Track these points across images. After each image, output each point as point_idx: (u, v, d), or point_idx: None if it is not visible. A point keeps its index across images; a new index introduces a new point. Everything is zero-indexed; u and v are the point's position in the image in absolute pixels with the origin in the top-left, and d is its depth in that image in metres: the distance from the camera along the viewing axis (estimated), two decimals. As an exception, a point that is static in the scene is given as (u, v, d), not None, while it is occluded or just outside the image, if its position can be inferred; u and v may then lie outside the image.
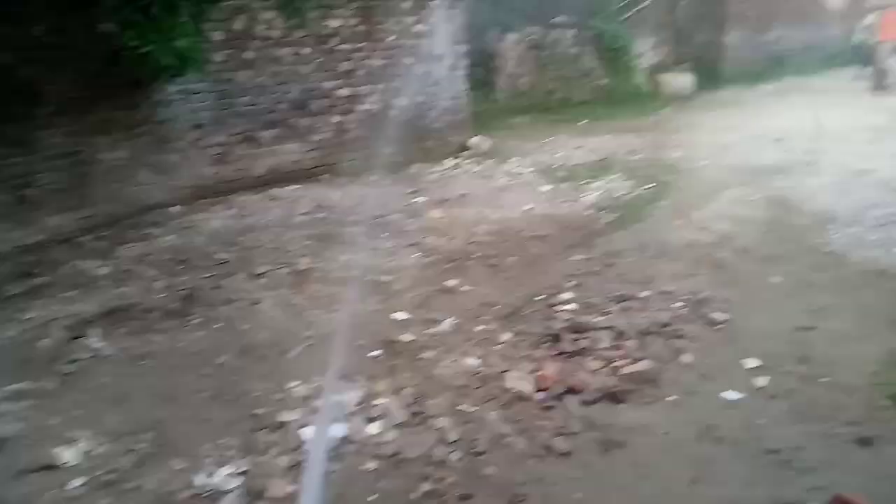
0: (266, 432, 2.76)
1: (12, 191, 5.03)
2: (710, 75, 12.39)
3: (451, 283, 4.23)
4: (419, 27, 7.53)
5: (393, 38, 7.32)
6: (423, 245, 4.88)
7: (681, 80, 12.06)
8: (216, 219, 5.56)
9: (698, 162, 7.08)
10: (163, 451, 2.63)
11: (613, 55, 11.52)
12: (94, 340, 3.47)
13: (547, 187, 6.45)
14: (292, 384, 3.10)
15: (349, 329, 3.64)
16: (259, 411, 2.90)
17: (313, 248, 4.83)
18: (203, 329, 3.66)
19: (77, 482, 2.45)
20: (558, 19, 11.01)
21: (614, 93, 11.37)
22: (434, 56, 7.73)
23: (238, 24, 6.16)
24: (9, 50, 4.22)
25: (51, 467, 2.52)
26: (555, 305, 3.87)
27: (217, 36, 5.99)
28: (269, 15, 6.30)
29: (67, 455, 2.57)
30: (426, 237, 5.04)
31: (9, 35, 4.16)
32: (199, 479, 2.46)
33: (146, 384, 3.10)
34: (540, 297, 3.98)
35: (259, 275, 4.34)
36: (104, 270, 4.45)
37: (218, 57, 6.04)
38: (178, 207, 5.77)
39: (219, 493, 2.40)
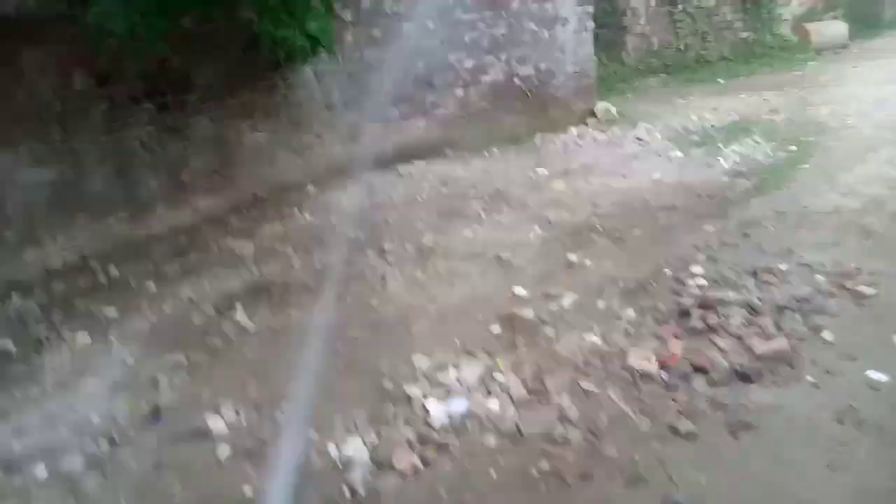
0: (393, 405, 2.89)
1: (169, 174, 5.52)
2: (867, 21, 11.18)
3: (574, 257, 4.18)
4: (543, -9, 7.37)
5: (516, 4, 7.21)
6: (545, 218, 4.84)
7: (832, 29, 10.99)
8: (347, 197, 5.81)
9: (847, 119, 6.47)
10: (298, 421, 2.83)
11: (755, 5, 10.68)
12: (240, 316, 3.76)
13: (678, 154, 6.16)
14: (417, 358, 3.22)
15: (471, 304, 3.72)
16: (386, 384, 3.04)
17: (437, 223, 4.93)
18: (336, 304, 3.87)
19: (224, 450, 2.69)
20: (693, -30, 10.36)
21: (756, 47, 10.58)
22: (559, 19, 7.53)
23: (367, 3, 6.31)
24: (164, 42, 4.60)
25: (203, 434, 2.79)
26: (683, 280, 3.72)
27: (347, 15, 6.17)
28: (395, -11, 6.41)
29: (215, 424, 2.83)
30: (548, 210, 4.99)
31: (163, 28, 4.53)
32: (332, 450, 2.63)
33: (284, 357, 3.34)
34: (667, 272, 3.85)
35: (386, 251, 4.50)
36: (248, 249, 4.80)
37: (348, 37, 6.23)
38: (312, 187, 6.08)
39: (349, 463, 2.56)
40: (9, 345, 3.78)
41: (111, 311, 3.98)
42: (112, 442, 2.79)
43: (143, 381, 3.21)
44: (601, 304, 3.59)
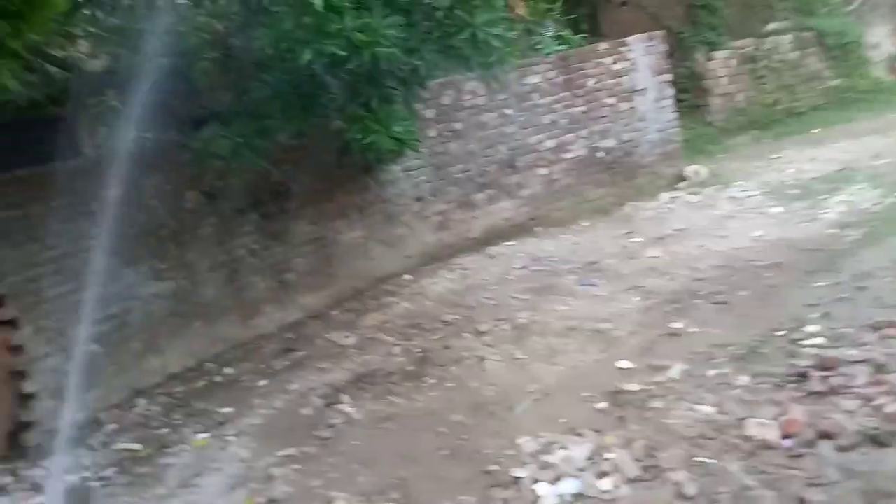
0: (501, 489, 2.84)
1: (274, 277, 5.84)
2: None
3: (677, 325, 4.05)
4: (618, 65, 7.49)
5: (593, 81, 7.36)
6: (642, 287, 4.75)
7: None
8: (441, 282, 5.92)
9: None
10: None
11: (842, 52, 10.38)
12: (345, 406, 3.86)
13: (778, 209, 5.94)
14: (522, 439, 3.16)
15: (573, 381, 3.65)
16: (492, 468, 2.99)
17: (531, 301, 4.93)
18: (437, 389, 3.90)
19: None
20: (771, 26, 10.24)
21: (848, 93, 10.19)
22: (637, 90, 7.60)
23: (446, 99, 6.63)
24: (263, 158, 4.99)
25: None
26: (798, 340, 3.52)
27: (428, 113, 6.49)
28: (472, 85, 6.69)
29: (329, 515, 2.87)
30: (645, 278, 4.89)
31: (262, 147, 4.94)
32: (442, 537, 2.60)
33: (390, 445, 3.37)
34: (780, 333, 3.65)
35: (483, 332, 4.52)
36: (350, 340, 4.95)
37: (431, 132, 6.52)
38: (407, 276, 6.25)
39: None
40: (136, 447, 4.02)
41: (226, 409, 4.17)
42: (232, 539, 2.88)
43: (259, 475, 3.32)
44: (711, 372, 3.44)
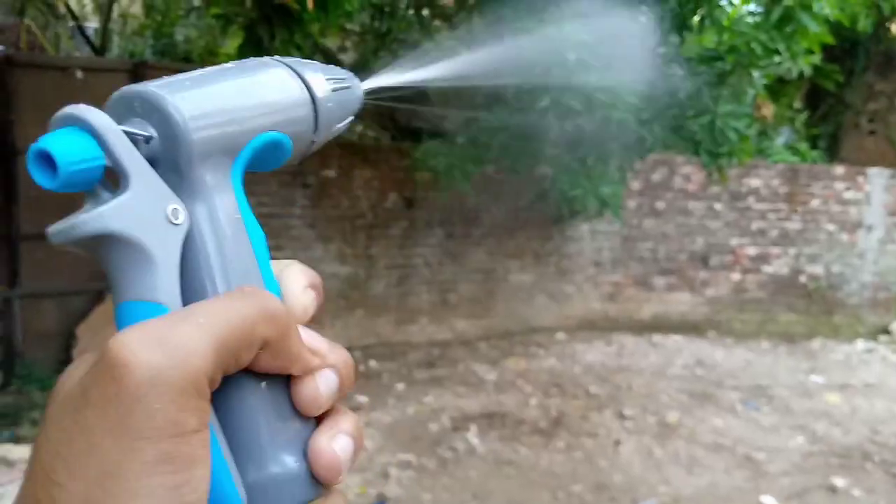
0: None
1: (438, 294, 6.06)
2: None
3: (839, 482, 3.65)
4: (850, 194, 6.97)
5: (818, 202, 6.91)
6: (810, 430, 4.33)
7: None
8: (595, 352, 5.80)
9: None
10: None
11: None
12: (472, 436, 3.89)
13: None
14: (638, 536, 3.01)
15: (708, 498, 3.41)
16: (600, 552, 2.87)
17: (685, 403, 4.68)
18: (564, 454, 3.81)
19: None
20: None
21: None
22: (863, 225, 7.02)
23: (657, 176, 6.55)
24: (468, 182, 5.20)
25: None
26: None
27: (635, 184, 6.44)
28: (688, 169, 6.55)
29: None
30: (816, 422, 4.46)
31: (472, 172, 5.14)
32: None
33: (505, 489, 3.34)
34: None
35: (625, 416, 4.36)
36: (491, 376, 4.99)
37: (631, 203, 6.46)
38: (562, 334, 6.19)
39: None
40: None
41: (363, 398, 4.36)
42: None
43: (377, 469, 3.43)
44: (868, 545, 3.06)
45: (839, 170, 7.04)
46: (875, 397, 5.07)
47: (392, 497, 3.17)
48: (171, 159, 0.32)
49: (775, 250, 6.79)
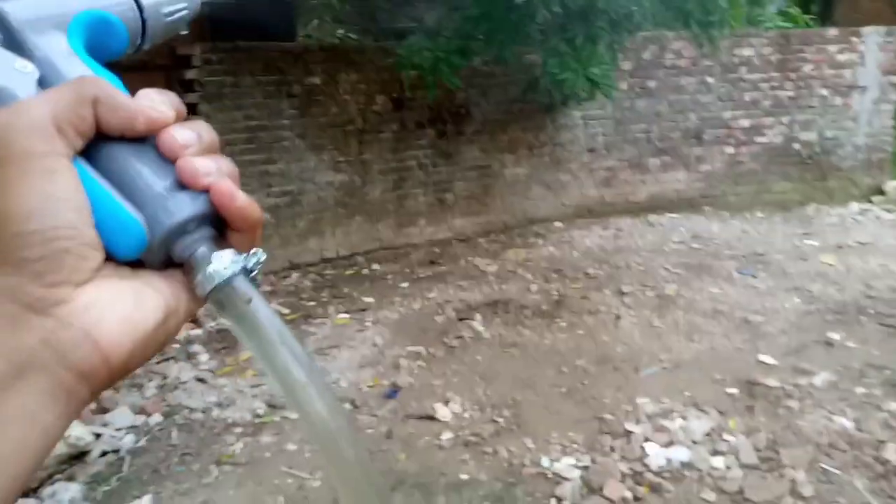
0: (611, 437, 2.88)
1: (434, 194, 6.07)
2: None
3: (835, 336, 3.79)
4: (843, 56, 6.84)
5: (810, 67, 6.79)
6: (806, 290, 4.46)
7: None
8: (592, 237, 5.87)
9: None
10: (517, 428, 2.95)
11: None
12: (476, 324, 4.01)
13: None
14: (642, 400, 3.16)
15: (709, 361, 3.56)
16: (607, 416, 3.03)
17: (682, 276, 4.79)
18: (567, 332, 3.95)
19: (447, 436, 2.90)
20: None
21: None
22: (856, 87, 6.92)
23: (647, 54, 6.40)
24: (457, 77, 5.12)
25: (429, 418, 3.03)
26: (971, 384, 3.20)
27: (626, 65, 6.31)
28: (678, 45, 6.41)
29: (442, 412, 3.06)
30: (812, 283, 4.58)
31: (460, 66, 5.05)
32: (545, 461, 2.70)
33: (511, 368, 3.49)
34: (952, 373, 3.33)
35: (624, 293, 4.48)
36: (492, 268, 5.08)
37: (623, 85, 6.35)
38: (559, 223, 6.25)
39: (560, 478, 2.61)
40: (285, 311, 4.43)
41: (369, 299, 4.48)
42: (354, 405, 3.15)
43: (388, 361, 3.57)
44: (860, 389, 3.22)
45: (832, 32, 6.88)
46: (869, 255, 5.18)
47: (404, 385, 3.31)
48: (7, 37, 0.41)
49: (768, 120, 6.74)
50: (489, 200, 6.33)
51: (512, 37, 4.58)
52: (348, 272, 5.21)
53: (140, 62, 4.87)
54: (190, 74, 4.89)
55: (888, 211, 6.46)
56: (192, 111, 5.02)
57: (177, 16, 0.50)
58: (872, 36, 6.84)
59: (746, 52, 6.54)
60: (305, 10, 6.83)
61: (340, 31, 7.58)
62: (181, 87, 4.96)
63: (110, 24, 0.45)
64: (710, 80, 6.53)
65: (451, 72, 4.81)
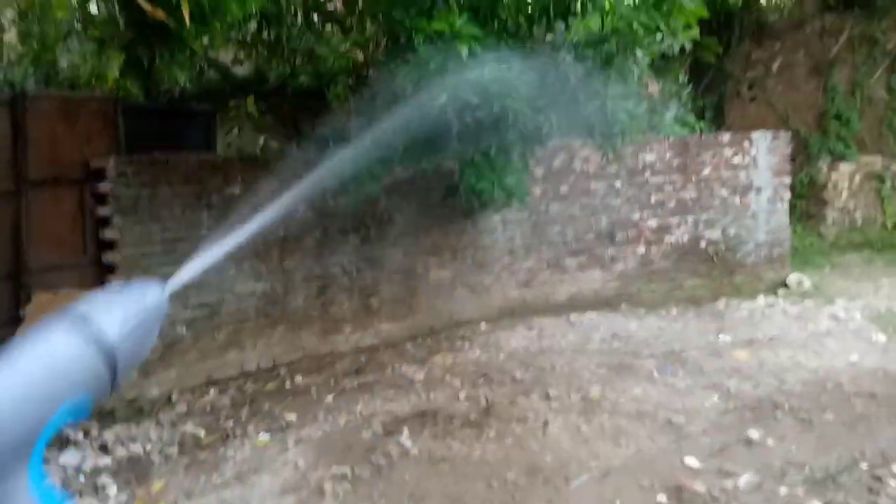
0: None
1: (360, 299, 6.03)
2: None
3: (754, 434, 3.89)
4: (738, 159, 7.39)
5: (708, 170, 7.28)
6: (723, 387, 4.59)
7: None
8: (517, 337, 5.92)
9: None
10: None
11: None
12: (404, 438, 3.90)
13: (881, 337, 5.62)
14: (573, 513, 3.12)
15: (636, 466, 3.57)
16: (538, 534, 2.96)
17: (605, 376, 4.85)
18: (496, 443, 3.89)
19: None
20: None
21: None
22: (752, 188, 7.46)
23: (557, 162, 6.73)
24: (377, 185, 5.22)
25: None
26: (882, 478, 3.31)
27: (538, 171, 6.59)
28: (586, 152, 6.77)
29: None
30: (728, 379, 4.73)
31: (381, 174, 5.16)
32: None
33: (441, 486, 3.39)
34: (863, 466, 3.45)
35: (551, 397, 4.49)
36: (419, 376, 5.02)
37: (536, 190, 6.61)
38: (484, 324, 6.29)
39: None
40: (201, 433, 4.20)
41: (291, 416, 4.31)
42: (275, 540, 2.96)
43: (311, 486, 3.40)
44: (783, 490, 3.28)
45: (725, 137, 7.45)
46: (779, 348, 5.42)
47: (330, 512, 3.15)
48: None
49: (675, 220, 7.13)
50: (415, 304, 6.32)
51: (430, 148, 4.73)
52: (269, 386, 5.03)
53: (52, 177, 4.74)
54: (103, 187, 4.78)
55: (793, 303, 6.84)
56: (105, 224, 4.89)
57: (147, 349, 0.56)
58: (761, 139, 7.45)
59: (649, 157, 6.98)
60: (226, 120, 6.88)
61: (261, 140, 7.65)
62: (95, 200, 4.83)
63: (78, 408, 0.51)
64: (617, 184, 6.90)
65: (372, 180, 4.89)
